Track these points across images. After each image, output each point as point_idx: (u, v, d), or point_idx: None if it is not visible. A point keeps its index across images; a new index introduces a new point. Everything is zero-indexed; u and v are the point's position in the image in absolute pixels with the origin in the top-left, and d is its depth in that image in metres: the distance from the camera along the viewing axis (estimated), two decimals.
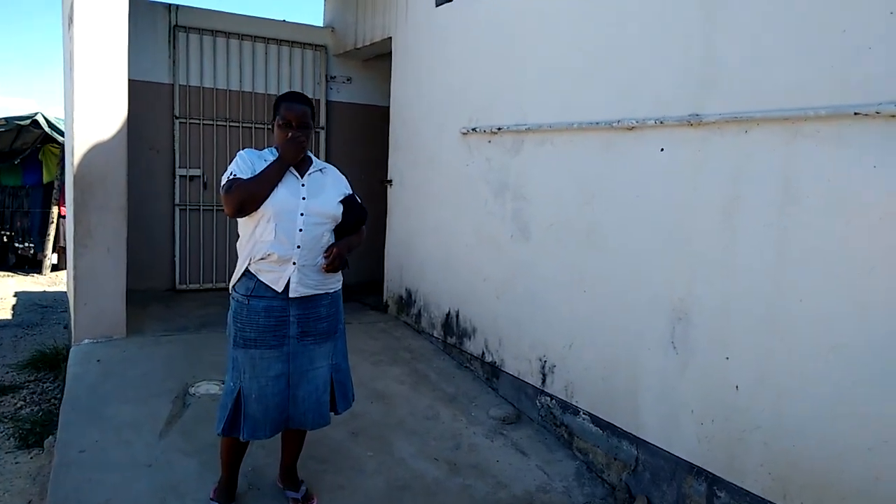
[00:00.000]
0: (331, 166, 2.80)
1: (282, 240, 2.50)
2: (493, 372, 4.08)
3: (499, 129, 3.98)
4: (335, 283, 2.72)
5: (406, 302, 5.14)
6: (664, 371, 2.95)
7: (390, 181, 5.32)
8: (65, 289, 9.57)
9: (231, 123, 6.04)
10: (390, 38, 5.36)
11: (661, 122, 2.93)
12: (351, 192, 2.77)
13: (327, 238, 2.63)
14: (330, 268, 2.55)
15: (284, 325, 2.57)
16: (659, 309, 2.98)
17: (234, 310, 2.62)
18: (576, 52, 3.44)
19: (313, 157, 2.74)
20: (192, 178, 5.93)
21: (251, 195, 2.46)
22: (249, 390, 2.55)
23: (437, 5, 4.66)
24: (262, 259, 2.52)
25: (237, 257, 2.71)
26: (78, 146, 4.09)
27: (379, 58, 6.39)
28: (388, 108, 6.03)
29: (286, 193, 2.53)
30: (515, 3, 3.89)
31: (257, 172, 2.52)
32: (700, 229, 2.80)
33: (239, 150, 2.69)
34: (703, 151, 2.79)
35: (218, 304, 5.51)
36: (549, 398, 3.60)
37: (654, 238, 3.00)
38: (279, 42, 6.19)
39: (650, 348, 3.02)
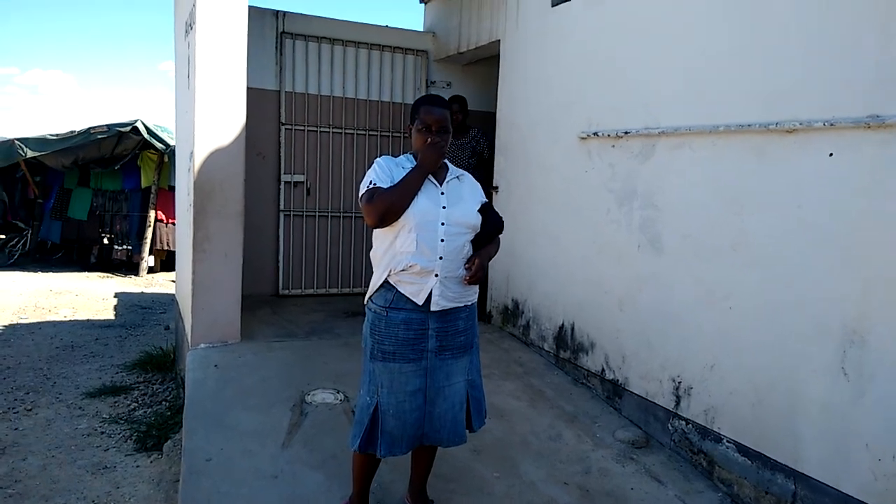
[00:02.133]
0: (466, 173, 2.67)
1: (424, 251, 2.38)
2: (614, 390, 3.86)
3: (625, 132, 3.76)
4: (473, 294, 2.58)
5: (512, 312, 4.97)
6: (832, 399, 2.66)
7: (496, 187, 5.17)
8: (161, 290, 9.92)
9: (334, 130, 6.05)
10: (498, 40, 5.21)
11: (831, 125, 2.65)
12: (487, 200, 2.64)
13: (468, 248, 2.49)
14: (473, 279, 2.42)
15: (423, 338, 2.45)
16: (825, 330, 2.69)
17: (371, 322, 2.51)
18: (721, 48, 3.18)
19: (449, 164, 2.62)
20: (296, 184, 5.96)
21: (393, 205, 2.35)
22: (387, 405, 2.44)
23: (553, 5, 4.49)
24: (402, 270, 2.40)
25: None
26: (198, 152, 4.13)
27: (479, 62, 6.27)
28: (488, 112, 5.91)
29: (427, 202, 2.41)
30: None
31: (396, 181, 2.41)
32: (880, 242, 2.51)
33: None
34: (884, 156, 2.50)
35: (321, 311, 5.50)
36: (684, 422, 3.34)
37: (820, 252, 2.72)
38: (381, 48, 6.16)
39: (813, 373, 2.74)
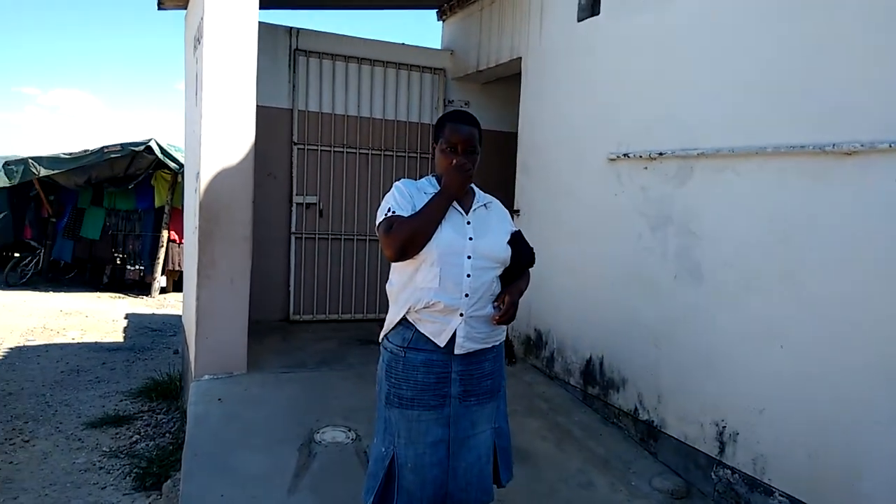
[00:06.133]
0: (495, 200, 2.41)
1: (448, 287, 2.12)
2: (649, 432, 3.56)
3: (659, 154, 3.51)
4: (500, 334, 2.32)
5: (535, 343, 4.69)
6: None
7: (517, 211, 4.92)
8: (173, 311, 9.73)
9: (348, 150, 5.84)
10: (519, 58, 5.00)
11: None
12: (516, 229, 2.38)
13: (496, 284, 2.23)
14: (503, 319, 2.15)
15: (446, 382, 2.19)
16: (891, 375, 2.40)
17: (386, 363, 2.25)
18: (770, 62, 2.93)
19: (476, 190, 2.37)
20: (308, 205, 5.75)
21: (415, 236, 2.09)
22: (405, 458, 2.17)
23: (579, 20, 4.26)
24: (424, 308, 2.14)
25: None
26: (204, 173, 3.92)
27: (499, 81, 6.06)
28: (507, 133, 5.69)
29: (451, 233, 2.15)
30: (684, 11, 3.43)
31: (418, 208, 2.16)
32: None
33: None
34: None
35: (334, 339, 5.26)
36: (729, 471, 3.04)
37: (884, 287, 2.44)
38: (398, 66, 5.97)
39: (879, 423, 2.44)
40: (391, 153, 5.99)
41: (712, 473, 3.13)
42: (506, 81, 5.90)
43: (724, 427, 3.08)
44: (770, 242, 2.89)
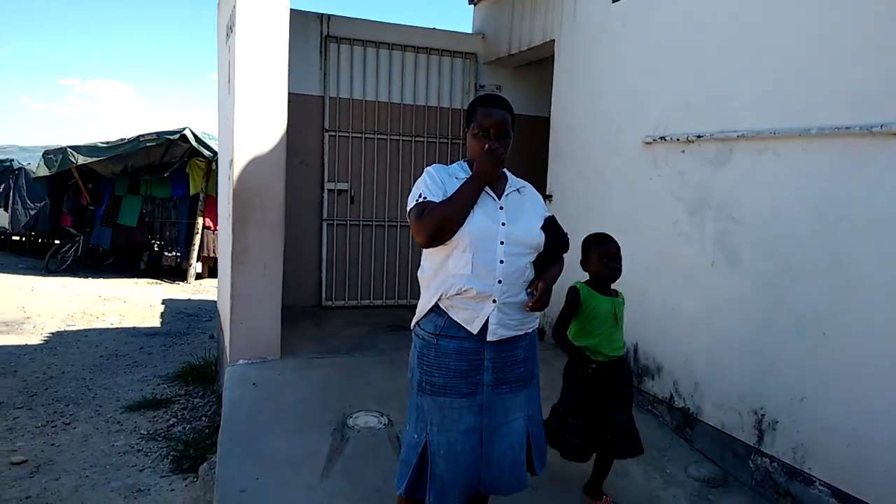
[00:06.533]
0: (528, 184, 2.37)
1: (480, 273, 2.09)
2: (685, 420, 3.50)
3: (697, 136, 3.42)
4: (534, 321, 2.29)
5: None
6: None
7: (550, 196, 4.86)
8: (208, 297, 9.89)
9: (379, 136, 5.83)
10: (552, 40, 4.91)
11: None
12: (550, 214, 2.34)
13: (530, 270, 2.20)
14: (536, 305, 2.12)
15: (478, 370, 2.17)
16: None
17: (418, 350, 2.24)
18: (810, 40, 2.82)
19: (509, 174, 2.33)
20: (339, 192, 5.77)
21: (446, 221, 2.06)
22: (437, 445, 2.16)
23: (613, 1, 4.17)
24: (456, 295, 2.12)
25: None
26: (237, 160, 3.95)
27: (530, 65, 5.98)
28: (539, 117, 5.61)
29: (484, 218, 2.12)
30: None
31: (449, 193, 2.13)
32: None
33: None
34: None
35: (366, 325, 5.28)
36: (767, 460, 2.97)
37: None
38: (429, 51, 5.92)
39: None
40: (422, 139, 5.96)
41: (750, 462, 3.07)
42: (538, 65, 5.82)
43: (762, 415, 3.01)
44: (813, 228, 2.80)
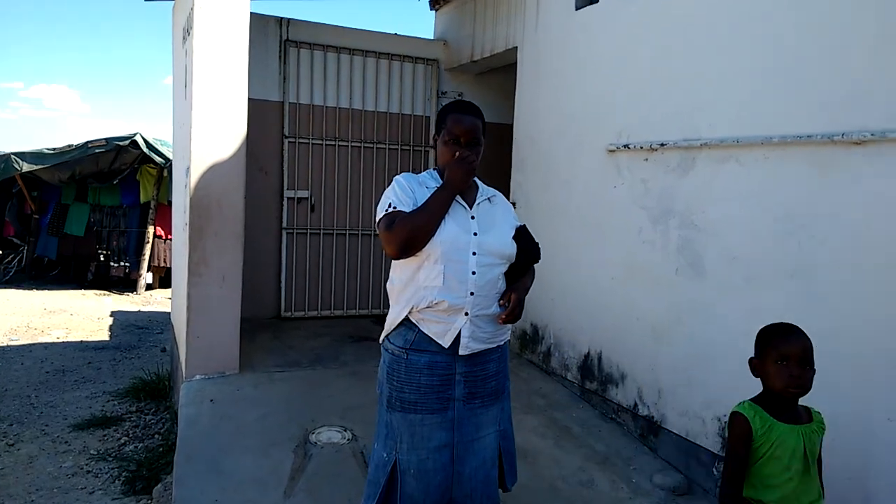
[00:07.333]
0: (498, 193, 2.33)
1: (452, 285, 2.04)
2: (649, 428, 3.51)
3: (661, 144, 3.44)
4: (506, 333, 2.25)
5: (531, 338, 4.63)
6: None
7: (514, 204, 4.84)
8: (159, 308, 9.59)
9: (340, 143, 5.73)
10: (515, 47, 4.91)
11: None
12: (521, 223, 2.30)
13: (502, 282, 2.16)
14: (509, 318, 2.08)
15: (450, 385, 2.11)
16: None
17: (388, 365, 2.17)
18: (774, 51, 2.86)
19: (479, 183, 2.29)
20: (300, 200, 5.64)
21: (417, 231, 2.00)
22: (407, 464, 2.09)
23: (577, 8, 4.18)
24: (427, 308, 2.06)
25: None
26: (195, 167, 3.81)
27: (493, 71, 5.97)
28: (502, 125, 5.59)
29: (455, 228, 2.07)
30: None
31: (420, 203, 2.07)
32: None
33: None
34: None
35: (327, 336, 5.16)
36: None
37: None
38: (390, 56, 5.86)
39: (891, 421, 2.39)
40: (384, 146, 5.89)
41: (714, 469, 3.08)
42: (500, 72, 5.81)
43: (726, 422, 3.01)
44: (776, 235, 2.83)
